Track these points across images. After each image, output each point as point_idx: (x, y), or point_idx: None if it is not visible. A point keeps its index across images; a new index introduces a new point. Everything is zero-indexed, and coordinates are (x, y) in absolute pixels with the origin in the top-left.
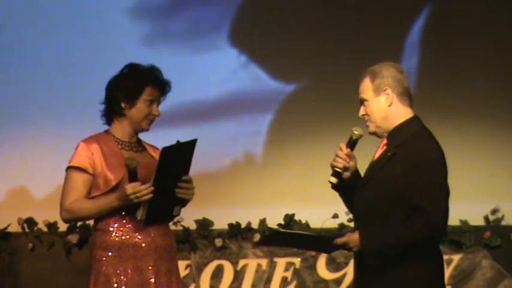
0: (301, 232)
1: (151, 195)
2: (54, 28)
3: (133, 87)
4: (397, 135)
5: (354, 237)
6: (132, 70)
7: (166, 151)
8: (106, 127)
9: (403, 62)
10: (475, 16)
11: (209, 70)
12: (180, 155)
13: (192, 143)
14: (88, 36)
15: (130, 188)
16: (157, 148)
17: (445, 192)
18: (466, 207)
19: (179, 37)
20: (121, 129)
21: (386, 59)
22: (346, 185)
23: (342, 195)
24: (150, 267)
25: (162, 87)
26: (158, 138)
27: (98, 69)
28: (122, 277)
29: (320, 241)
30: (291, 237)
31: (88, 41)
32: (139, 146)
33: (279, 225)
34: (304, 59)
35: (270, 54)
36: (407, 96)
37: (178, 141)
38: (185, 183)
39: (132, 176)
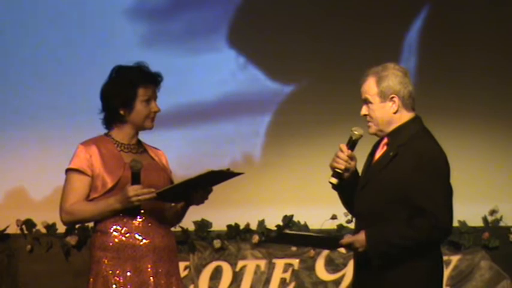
0: (307, 233)
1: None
2: (53, 29)
3: (126, 92)
4: (399, 136)
5: (360, 238)
6: (120, 75)
7: (210, 174)
8: (101, 128)
9: (401, 63)
10: (474, 17)
11: (207, 71)
12: (219, 176)
13: (237, 174)
14: (86, 38)
15: (132, 190)
16: (158, 150)
17: (449, 194)
18: (464, 208)
19: (177, 38)
20: (121, 132)
21: (384, 59)
22: (346, 185)
23: (341, 195)
24: (149, 268)
25: (154, 82)
26: (157, 139)
27: (97, 71)
28: (121, 278)
29: (324, 241)
30: (296, 237)
31: (86, 42)
32: (139, 147)
33: (278, 226)
34: (303, 60)
35: (268, 56)
36: (411, 100)
37: (228, 169)
38: (204, 191)
39: (135, 178)
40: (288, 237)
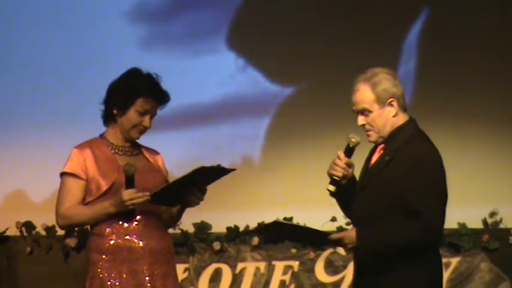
0: (299, 225)
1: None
2: (52, 31)
3: (126, 96)
4: (394, 139)
5: (350, 234)
6: (129, 77)
7: (201, 170)
8: (102, 130)
9: (400, 65)
10: (474, 19)
11: (207, 73)
12: (211, 173)
13: (230, 171)
14: (86, 40)
15: (126, 194)
16: (155, 151)
17: (443, 197)
18: (464, 210)
19: (177, 40)
20: (114, 133)
21: (384, 62)
22: (344, 192)
23: (339, 201)
24: (144, 270)
25: (157, 99)
26: (157, 141)
27: (96, 73)
28: (117, 281)
29: (315, 235)
30: (288, 228)
31: (86, 44)
32: (134, 149)
33: None
34: (302, 62)
35: (268, 58)
36: (404, 100)
37: (219, 165)
38: (198, 191)
39: (129, 182)
40: (277, 227)
